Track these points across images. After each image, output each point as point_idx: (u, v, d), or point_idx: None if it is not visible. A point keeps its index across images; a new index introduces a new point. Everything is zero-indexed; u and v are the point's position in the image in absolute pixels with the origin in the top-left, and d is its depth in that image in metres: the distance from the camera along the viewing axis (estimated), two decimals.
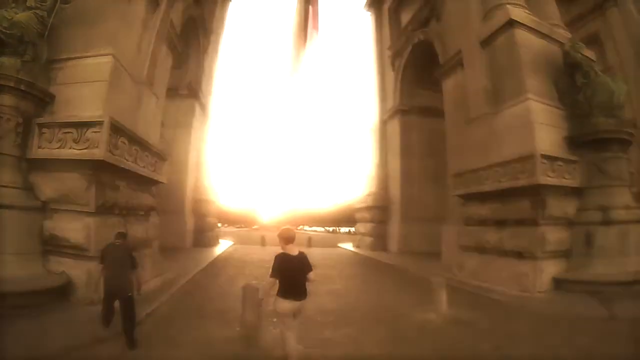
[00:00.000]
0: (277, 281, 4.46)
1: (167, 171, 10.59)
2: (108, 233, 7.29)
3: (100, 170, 7.43)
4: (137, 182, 9.30)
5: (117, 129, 7.65)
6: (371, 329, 6.73)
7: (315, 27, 18.04)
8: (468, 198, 11.97)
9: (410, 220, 20.14)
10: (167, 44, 12.43)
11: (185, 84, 19.83)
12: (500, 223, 10.57)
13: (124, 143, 8.00)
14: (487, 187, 10.83)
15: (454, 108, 14.82)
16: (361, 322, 7.11)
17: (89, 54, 8.22)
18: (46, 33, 7.94)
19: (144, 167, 9.21)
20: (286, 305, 4.43)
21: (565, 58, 11.36)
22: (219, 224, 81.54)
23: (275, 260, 4.50)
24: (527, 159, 9.82)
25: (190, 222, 19.37)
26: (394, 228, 21.20)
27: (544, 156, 9.71)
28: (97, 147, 7.16)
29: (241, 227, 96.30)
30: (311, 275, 4.62)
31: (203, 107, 21.56)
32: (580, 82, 10.89)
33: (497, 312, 7.94)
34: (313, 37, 18.47)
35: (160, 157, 10.46)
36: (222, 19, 24.63)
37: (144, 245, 9.66)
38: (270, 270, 4.49)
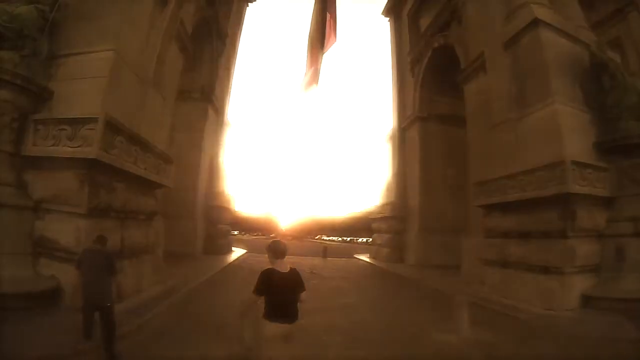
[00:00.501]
0: (261, 300, 3.85)
1: (175, 175, 10.34)
2: None
3: (94, 170, 7.05)
4: (138, 185, 8.90)
5: (114, 127, 7.28)
6: (384, 351, 6.07)
7: (333, 34, 17.56)
8: (490, 208, 11.21)
9: (429, 231, 19.31)
10: (177, 45, 12.20)
11: (198, 87, 19.58)
12: (525, 235, 9.79)
13: (122, 142, 7.62)
14: (511, 196, 10.07)
15: (476, 114, 14.14)
16: (373, 342, 6.44)
17: (90, 49, 7.95)
18: (47, 28, 7.72)
19: (145, 169, 8.81)
20: (274, 329, 3.79)
21: (592, 59, 10.66)
22: (236, 232, 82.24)
23: (260, 277, 3.84)
24: (556, 166, 9.06)
25: (201, 229, 18.99)
26: (412, 239, 20.37)
27: (574, 163, 8.95)
28: (91, 146, 6.79)
29: (259, 235, 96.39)
30: (303, 295, 4.01)
31: (217, 112, 21.29)
32: (608, 84, 10.17)
33: (522, 332, 7.19)
34: (331, 44, 18.00)
35: (165, 159, 10.12)
36: (238, 22, 24.50)
37: (144, 251, 9.27)
38: (254, 287, 3.84)
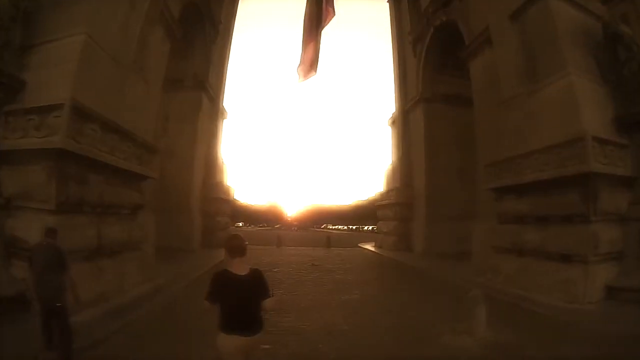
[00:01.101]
0: (217, 307, 3.06)
1: (169, 167, 9.64)
2: (75, 235, 6.47)
3: (62, 162, 6.35)
4: (118, 177, 8.18)
5: (83, 114, 6.58)
6: None
7: (331, 8, 16.73)
8: (503, 191, 10.30)
9: (437, 217, 18.45)
10: (162, 29, 11.39)
11: (190, 75, 18.76)
12: (542, 220, 8.93)
13: (95, 130, 6.93)
14: (527, 177, 9.17)
15: (483, 91, 13.20)
16: (375, 348, 5.55)
17: (63, 35, 7.21)
18: (19, 16, 7.00)
19: (124, 159, 8.12)
20: (230, 342, 2.98)
21: (605, 30, 9.72)
22: (240, 224, 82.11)
23: (212, 282, 3.12)
24: (575, 142, 8.16)
25: (198, 222, 18.29)
26: (419, 226, 19.57)
27: (595, 139, 8.05)
28: (57, 134, 6.12)
29: (264, 226, 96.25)
30: (268, 303, 3.22)
31: (212, 101, 20.46)
32: (624, 55, 9.24)
33: (544, 330, 6.36)
34: (329, 19, 17.20)
35: (149, 148, 9.41)
36: (232, 8, 23.50)
37: (127, 248, 8.58)
38: (206, 292, 3.10)
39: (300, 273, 12.11)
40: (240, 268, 3.12)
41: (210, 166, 20.11)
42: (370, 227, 59.53)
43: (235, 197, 24.66)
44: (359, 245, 25.37)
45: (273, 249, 21.18)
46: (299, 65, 19.09)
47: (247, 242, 3.35)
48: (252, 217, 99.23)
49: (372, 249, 22.43)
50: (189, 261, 13.15)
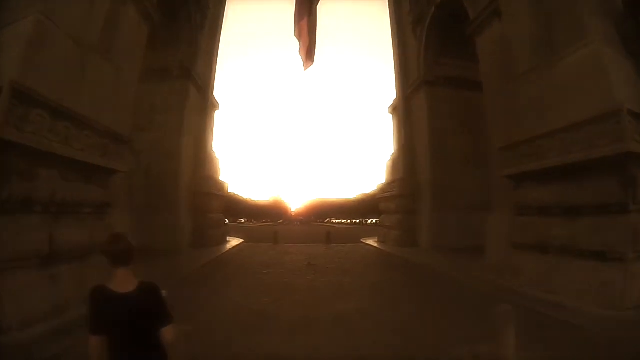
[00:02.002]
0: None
1: (152, 162, 8.39)
2: (20, 239, 5.54)
3: (1, 153, 5.34)
4: (76, 171, 7.08)
5: (28, 98, 5.58)
6: None
7: None
8: (522, 178, 8.90)
9: (444, 209, 17.08)
10: (135, 9, 10.34)
11: (176, 63, 17.46)
12: (571, 211, 7.54)
13: (43, 117, 5.92)
14: (551, 161, 7.77)
15: (492, 67, 11.80)
16: None
17: (19, 16, 6.42)
18: None
19: (81, 150, 6.97)
20: None
21: None
22: (243, 220, 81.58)
23: (90, 302, 2.01)
24: (608, 117, 6.81)
25: (186, 220, 17.03)
26: (425, 219, 18.18)
27: (631, 113, 6.68)
28: None
29: (267, 221, 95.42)
30: (168, 333, 2.06)
31: (200, 90, 19.12)
32: None
33: (581, 347, 5.03)
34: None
35: (116, 138, 8.30)
36: None
37: (90, 252, 7.29)
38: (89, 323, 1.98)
39: (294, 275, 10.83)
40: (123, 283, 1.94)
41: (200, 160, 18.81)
42: (374, 221, 58.66)
43: (229, 192, 23.39)
44: (361, 240, 24.03)
45: (270, 246, 19.96)
46: (299, 49, 18.24)
47: (133, 245, 2.18)
48: (255, 213, 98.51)
49: (375, 244, 21.06)
50: (171, 264, 11.90)
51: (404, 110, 20.92)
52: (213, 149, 20.89)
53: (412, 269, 12.36)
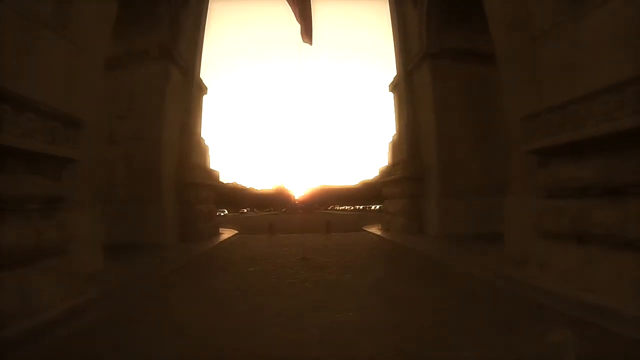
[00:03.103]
0: None
1: (131, 151, 7.08)
2: None
3: None
4: (18, 160, 5.97)
5: None
6: None
7: None
8: (551, 153, 7.30)
9: (452, 192, 15.61)
10: None
11: (156, 43, 15.96)
12: (617, 192, 6.06)
13: None
14: (589, 131, 6.21)
15: (505, 29, 10.15)
16: None
17: None
18: None
19: (20, 136, 5.74)
20: None
21: None
22: (245, 210, 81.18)
23: None
24: None
25: (172, 212, 15.65)
26: (431, 204, 16.67)
27: None
28: None
29: (270, 210, 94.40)
30: None
31: (184, 73, 17.60)
32: None
33: None
34: None
35: (68, 122, 7.02)
36: None
37: (40, 255, 6.25)
38: None
39: (284, 273, 9.40)
40: None
41: (187, 148, 17.37)
42: (378, 207, 57.52)
43: (224, 182, 22.07)
44: (364, 228, 22.57)
45: (265, 237, 18.60)
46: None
47: None
48: (258, 202, 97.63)
49: (378, 232, 19.60)
50: (148, 262, 10.54)
51: (405, 87, 19.23)
52: (202, 136, 19.45)
53: (420, 261, 10.90)
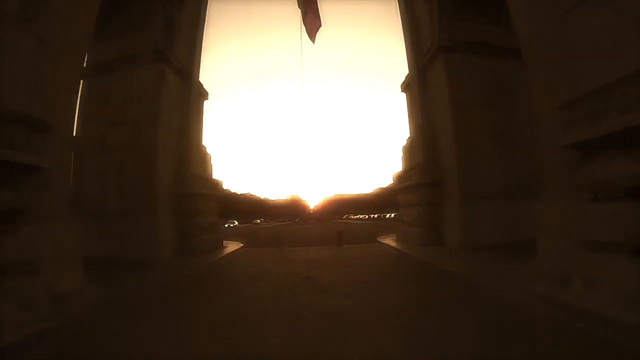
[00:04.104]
0: None
1: (125, 160, 6.28)
2: None
3: None
4: None
5: None
6: None
7: None
8: (597, 147, 5.86)
9: (474, 198, 14.20)
10: None
11: (150, 45, 15.09)
12: None
13: None
14: None
15: (529, 7, 8.87)
16: None
17: None
18: None
19: None
20: None
21: None
22: (259, 220, 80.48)
23: None
24: None
25: (168, 225, 14.70)
26: (451, 211, 15.25)
27: None
28: None
29: (284, 221, 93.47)
30: None
31: (182, 76, 16.72)
32: None
33: None
34: None
35: (34, 125, 6.46)
36: None
37: None
38: None
39: (281, 297, 7.93)
40: None
41: (185, 156, 16.37)
42: (393, 215, 56.28)
43: (229, 191, 21.07)
44: (378, 239, 21.11)
45: (272, 251, 17.35)
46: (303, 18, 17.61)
47: None
48: (272, 212, 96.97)
49: (393, 244, 18.12)
50: (133, 280, 9.49)
51: (418, 85, 17.91)
52: (203, 144, 18.44)
53: (441, 278, 9.49)
